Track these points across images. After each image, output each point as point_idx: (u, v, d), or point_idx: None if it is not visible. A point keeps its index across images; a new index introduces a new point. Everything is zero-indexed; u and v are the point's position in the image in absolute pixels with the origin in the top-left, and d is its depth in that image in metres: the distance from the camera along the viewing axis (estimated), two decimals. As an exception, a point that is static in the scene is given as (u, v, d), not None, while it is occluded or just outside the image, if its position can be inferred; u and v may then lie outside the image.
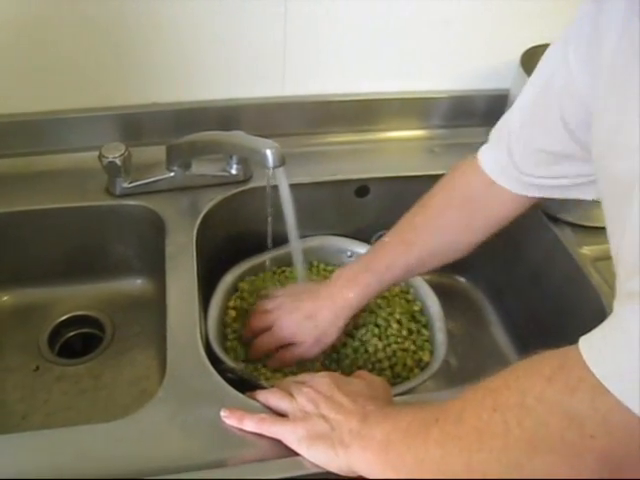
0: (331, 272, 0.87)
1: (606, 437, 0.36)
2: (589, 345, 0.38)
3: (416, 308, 0.88)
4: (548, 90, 0.57)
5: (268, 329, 0.77)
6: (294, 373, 0.77)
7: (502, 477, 0.41)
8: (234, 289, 0.86)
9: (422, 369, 0.80)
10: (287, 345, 0.76)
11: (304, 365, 0.78)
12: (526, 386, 0.40)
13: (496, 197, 0.68)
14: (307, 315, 0.75)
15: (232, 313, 0.82)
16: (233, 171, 0.87)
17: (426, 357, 0.81)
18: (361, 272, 0.74)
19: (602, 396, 0.35)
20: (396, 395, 0.65)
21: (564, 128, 0.56)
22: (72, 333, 0.89)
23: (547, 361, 0.41)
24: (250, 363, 0.78)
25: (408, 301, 0.89)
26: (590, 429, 0.36)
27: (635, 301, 0.35)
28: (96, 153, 0.80)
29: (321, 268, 0.92)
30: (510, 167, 0.64)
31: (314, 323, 0.74)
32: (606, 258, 0.80)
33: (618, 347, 0.36)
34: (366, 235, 0.96)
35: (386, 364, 0.80)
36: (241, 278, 0.86)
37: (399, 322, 0.84)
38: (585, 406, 0.36)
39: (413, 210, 0.74)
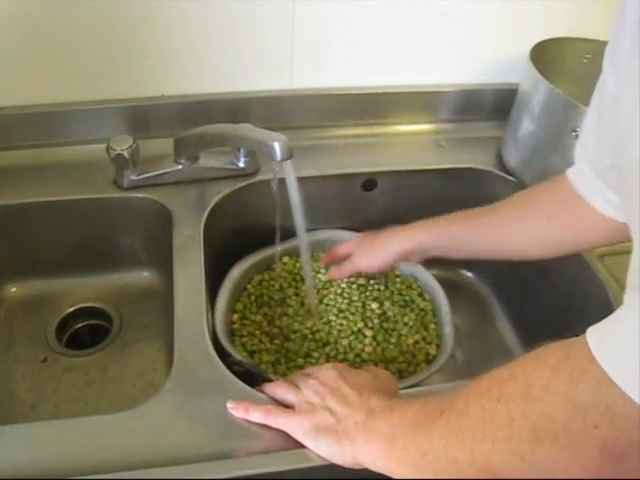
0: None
1: (609, 427, 0.36)
2: (596, 335, 0.38)
3: (423, 302, 0.88)
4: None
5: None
6: (300, 367, 0.77)
7: (505, 467, 0.41)
8: (241, 282, 0.86)
9: (429, 363, 0.80)
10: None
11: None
12: (532, 377, 0.40)
13: (582, 213, 0.62)
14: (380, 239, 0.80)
15: (236, 317, 0.83)
16: (241, 164, 0.87)
17: (433, 351, 0.81)
18: (433, 230, 0.76)
19: (606, 386, 0.35)
20: (402, 388, 0.65)
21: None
22: (80, 325, 0.90)
23: (553, 352, 0.40)
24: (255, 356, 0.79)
25: (416, 295, 0.89)
26: (594, 419, 0.36)
27: None
28: (104, 145, 0.81)
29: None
30: (594, 177, 0.59)
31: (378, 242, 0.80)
32: (613, 253, 0.80)
33: (624, 338, 0.35)
34: (373, 229, 0.95)
35: (393, 357, 0.80)
36: (248, 271, 0.86)
37: (408, 316, 0.85)
38: (589, 396, 0.36)
39: (494, 207, 0.72)
